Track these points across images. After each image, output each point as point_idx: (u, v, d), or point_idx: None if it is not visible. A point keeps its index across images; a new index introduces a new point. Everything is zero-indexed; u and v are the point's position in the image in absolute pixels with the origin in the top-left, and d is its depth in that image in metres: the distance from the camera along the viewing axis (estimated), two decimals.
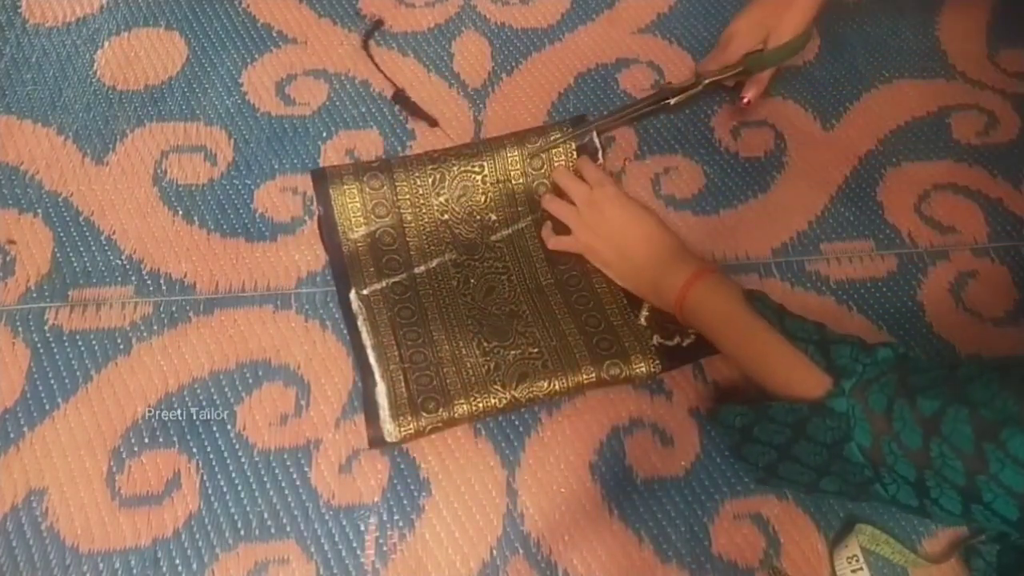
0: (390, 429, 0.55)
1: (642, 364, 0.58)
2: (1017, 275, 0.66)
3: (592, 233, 0.62)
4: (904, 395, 0.41)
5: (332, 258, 0.64)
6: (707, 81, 0.67)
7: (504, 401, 0.57)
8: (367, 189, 0.65)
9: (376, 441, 0.56)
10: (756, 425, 0.50)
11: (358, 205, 0.65)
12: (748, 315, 0.51)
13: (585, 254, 0.63)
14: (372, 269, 0.63)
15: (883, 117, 0.74)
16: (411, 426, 0.56)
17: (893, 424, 0.41)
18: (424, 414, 0.56)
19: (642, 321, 0.61)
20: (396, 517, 0.56)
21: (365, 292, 0.62)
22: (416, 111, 0.72)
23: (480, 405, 0.57)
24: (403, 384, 0.57)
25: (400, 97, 0.73)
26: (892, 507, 0.47)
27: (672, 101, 0.68)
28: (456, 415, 0.56)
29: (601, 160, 0.69)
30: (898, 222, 0.68)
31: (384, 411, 0.56)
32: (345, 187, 0.65)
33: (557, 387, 0.58)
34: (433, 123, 0.71)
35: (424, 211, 0.66)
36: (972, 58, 0.78)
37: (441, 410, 0.56)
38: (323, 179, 0.66)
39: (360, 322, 0.61)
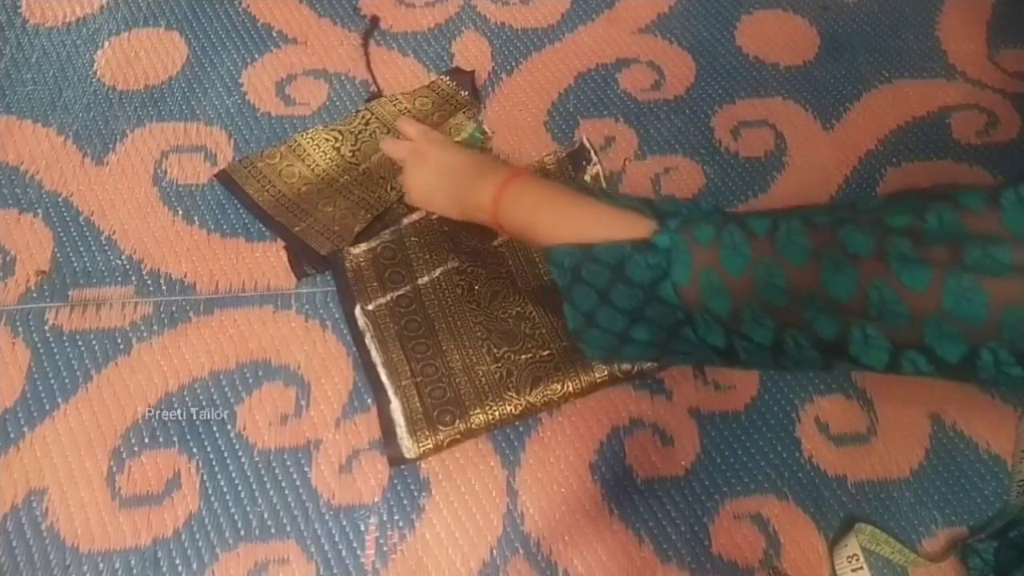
0: (408, 446, 0.55)
1: None
2: None
3: (417, 155, 0.58)
4: (735, 220, 0.41)
5: (336, 276, 0.63)
6: None
7: (520, 407, 0.57)
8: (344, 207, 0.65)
9: (396, 460, 0.56)
10: (582, 266, 0.48)
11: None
12: (571, 194, 0.49)
13: (408, 163, 0.59)
14: (376, 284, 0.63)
15: (883, 117, 0.74)
16: (429, 441, 0.55)
17: (720, 250, 0.41)
18: (441, 427, 0.56)
19: None
20: (396, 517, 0.56)
21: (370, 307, 0.61)
22: None
23: (496, 413, 0.56)
24: (417, 399, 0.57)
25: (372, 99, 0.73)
26: (697, 354, 0.46)
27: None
28: (473, 425, 0.56)
29: (596, 161, 0.69)
30: None
31: (401, 428, 0.56)
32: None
33: (571, 388, 0.57)
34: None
35: (424, 224, 0.65)
36: (972, 58, 0.78)
37: (458, 422, 0.56)
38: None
39: (368, 339, 0.60)
